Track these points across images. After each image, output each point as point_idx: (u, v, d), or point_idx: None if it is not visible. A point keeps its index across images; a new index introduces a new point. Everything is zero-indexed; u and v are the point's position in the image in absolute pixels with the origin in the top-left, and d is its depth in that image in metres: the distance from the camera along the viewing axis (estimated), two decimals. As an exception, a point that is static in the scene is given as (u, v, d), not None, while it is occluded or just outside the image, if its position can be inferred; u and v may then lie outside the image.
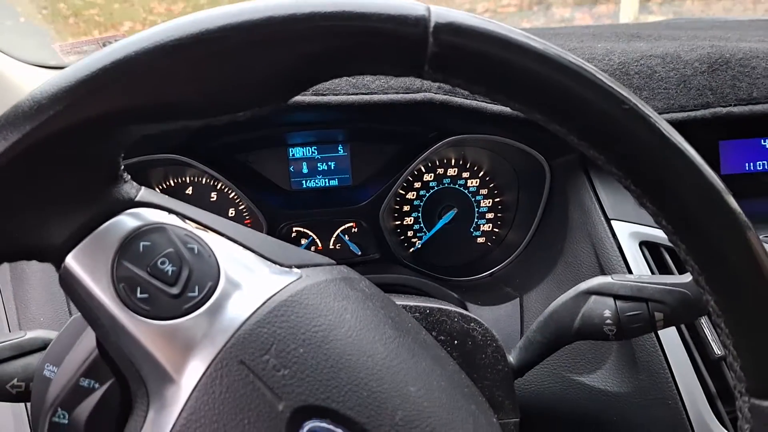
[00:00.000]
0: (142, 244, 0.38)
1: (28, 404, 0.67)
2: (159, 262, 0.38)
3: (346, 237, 0.98)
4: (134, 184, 0.40)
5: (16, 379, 0.46)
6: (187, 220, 0.41)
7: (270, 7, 0.33)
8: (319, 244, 0.98)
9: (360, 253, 0.99)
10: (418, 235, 1.01)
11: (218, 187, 0.94)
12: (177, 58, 0.33)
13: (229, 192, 0.94)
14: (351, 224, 0.97)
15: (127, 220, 0.38)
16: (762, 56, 0.84)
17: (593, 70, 0.35)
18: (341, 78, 0.79)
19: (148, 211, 0.39)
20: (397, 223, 1.00)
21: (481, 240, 1.02)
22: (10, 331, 0.72)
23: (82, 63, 0.33)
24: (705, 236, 0.36)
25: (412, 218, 1.00)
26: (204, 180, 0.94)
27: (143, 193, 0.40)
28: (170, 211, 0.40)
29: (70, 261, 0.37)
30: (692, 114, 0.81)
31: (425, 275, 0.96)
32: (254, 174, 0.97)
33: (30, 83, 1.05)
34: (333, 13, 0.33)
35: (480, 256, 1.01)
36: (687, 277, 0.55)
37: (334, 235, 0.98)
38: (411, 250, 1.01)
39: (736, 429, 0.60)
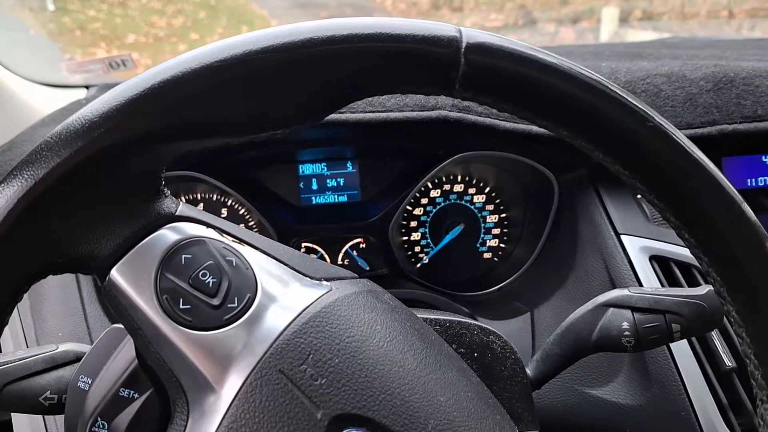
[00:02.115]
0: (183, 256, 0.39)
1: (48, 418, 0.68)
2: (200, 274, 0.39)
3: (355, 252, 0.99)
4: (174, 199, 0.41)
5: (49, 392, 0.47)
6: (224, 234, 0.42)
7: (310, 29, 0.35)
8: (328, 260, 0.98)
9: (368, 268, 1.00)
10: (425, 250, 1.02)
11: (229, 203, 0.95)
12: (221, 79, 0.34)
13: (240, 208, 0.95)
14: (359, 240, 0.98)
15: (169, 234, 0.39)
16: (765, 75, 0.86)
17: (617, 89, 0.37)
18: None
19: (188, 225, 0.41)
20: (404, 238, 1.01)
21: (487, 255, 1.03)
22: (27, 347, 0.72)
23: (131, 83, 0.35)
24: (728, 248, 0.38)
25: (420, 234, 1.01)
26: (215, 196, 0.95)
27: (182, 208, 0.41)
28: (208, 225, 0.42)
29: (115, 274, 0.38)
30: (699, 131, 0.83)
31: (433, 290, 0.97)
32: (265, 190, 0.98)
33: (34, 101, 1.06)
34: (369, 35, 0.35)
35: (487, 272, 1.03)
36: (703, 290, 0.56)
37: (343, 251, 0.99)
38: (418, 266, 1.02)
39: None
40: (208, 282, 0.39)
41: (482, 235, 1.02)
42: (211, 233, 0.41)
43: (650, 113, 0.37)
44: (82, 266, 0.38)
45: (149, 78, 0.34)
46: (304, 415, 0.37)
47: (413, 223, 1.00)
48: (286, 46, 0.34)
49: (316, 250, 0.98)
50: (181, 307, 0.38)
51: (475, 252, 1.03)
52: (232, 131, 0.36)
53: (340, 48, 0.35)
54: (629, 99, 0.37)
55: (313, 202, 1.00)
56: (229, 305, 0.39)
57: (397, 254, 0.99)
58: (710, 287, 0.56)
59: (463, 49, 0.35)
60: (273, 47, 0.34)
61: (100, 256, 0.37)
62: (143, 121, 0.34)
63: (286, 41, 0.34)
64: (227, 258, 0.40)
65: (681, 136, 0.37)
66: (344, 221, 0.98)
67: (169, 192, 0.41)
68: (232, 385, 0.37)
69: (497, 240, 1.02)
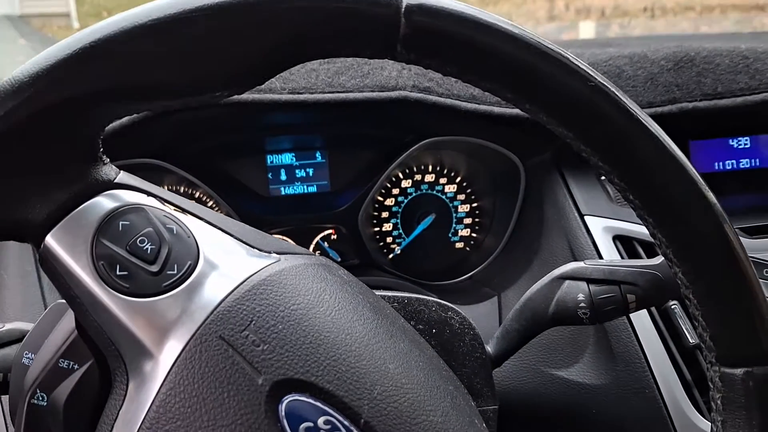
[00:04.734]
0: (120, 223, 0.38)
1: (5, 397, 0.67)
2: (138, 241, 0.38)
3: (326, 244, 0.99)
4: (113, 167, 0.41)
5: None
6: (166, 203, 0.41)
7: None
8: (299, 251, 0.98)
9: (340, 259, 0.99)
10: (397, 241, 1.01)
11: (196, 195, 0.95)
12: (155, 38, 0.34)
13: (207, 199, 0.95)
14: (330, 231, 0.98)
15: (106, 201, 0.39)
16: (725, 54, 0.87)
17: (559, 49, 0.37)
18: (317, 78, 0.81)
19: (127, 192, 0.40)
20: (376, 229, 1.01)
21: (459, 245, 1.03)
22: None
23: (63, 43, 0.34)
24: (671, 208, 0.38)
25: (391, 224, 1.01)
26: (182, 188, 0.94)
27: (122, 176, 0.41)
28: (149, 193, 0.41)
29: (50, 240, 0.37)
30: (660, 109, 0.84)
31: (405, 280, 0.96)
32: (232, 180, 0.98)
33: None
34: None
35: (459, 261, 1.03)
36: (657, 260, 0.57)
37: (314, 242, 0.98)
38: (390, 256, 1.02)
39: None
40: (147, 248, 0.38)
41: (454, 225, 1.02)
42: (151, 201, 0.41)
43: (592, 73, 0.37)
44: (17, 232, 0.37)
45: (81, 39, 0.34)
46: (244, 381, 0.36)
47: (384, 214, 1.00)
48: (221, 6, 0.34)
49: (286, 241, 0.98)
50: (117, 273, 0.37)
51: (447, 242, 1.03)
52: (168, 94, 0.36)
53: (278, 8, 0.34)
54: (570, 59, 0.36)
55: (282, 192, 0.99)
56: (168, 272, 0.38)
57: (369, 245, 0.98)
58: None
59: (403, 9, 0.34)
60: (208, 7, 0.34)
61: (34, 221, 0.37)
62: (75, 83, 0.34)
63: (221, 1, 0.34)
64: (168, 226, 0.40)
65: (623, 96, 0.37)
66: (314, 211, 0.98)
67: (108, 159, 0.40)
68: (170, 351, 0.37)
69: (469, 230, 1.02)
